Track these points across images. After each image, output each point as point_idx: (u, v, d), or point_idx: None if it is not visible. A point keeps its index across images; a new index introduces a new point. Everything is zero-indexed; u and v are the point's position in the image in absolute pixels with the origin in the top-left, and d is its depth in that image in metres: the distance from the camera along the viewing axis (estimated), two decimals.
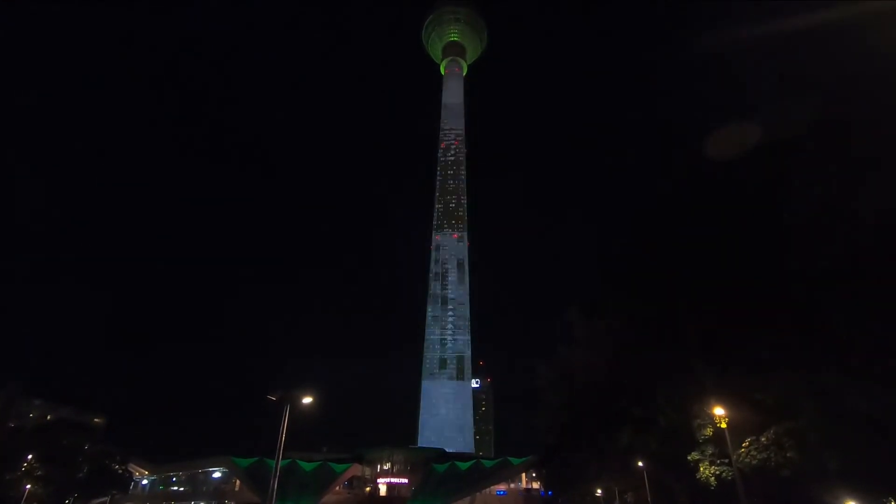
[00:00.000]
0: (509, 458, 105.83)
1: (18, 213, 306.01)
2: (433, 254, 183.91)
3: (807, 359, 25.33)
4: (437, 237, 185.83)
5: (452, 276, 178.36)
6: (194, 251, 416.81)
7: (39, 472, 68.31)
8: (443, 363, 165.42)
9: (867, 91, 25.54)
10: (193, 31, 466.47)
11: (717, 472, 31.30)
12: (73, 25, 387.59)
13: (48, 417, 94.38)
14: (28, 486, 67.61)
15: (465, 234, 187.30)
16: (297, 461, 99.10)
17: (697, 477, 32.65)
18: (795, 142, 28.58)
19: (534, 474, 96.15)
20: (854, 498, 25.10)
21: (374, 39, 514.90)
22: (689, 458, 33.36)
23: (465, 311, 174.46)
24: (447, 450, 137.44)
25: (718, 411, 28.39)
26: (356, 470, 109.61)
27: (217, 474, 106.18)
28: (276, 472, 27.21)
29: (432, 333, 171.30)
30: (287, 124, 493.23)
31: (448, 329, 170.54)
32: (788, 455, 26.80)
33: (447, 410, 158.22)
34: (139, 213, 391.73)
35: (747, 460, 28.64)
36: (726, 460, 29.82)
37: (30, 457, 69.13)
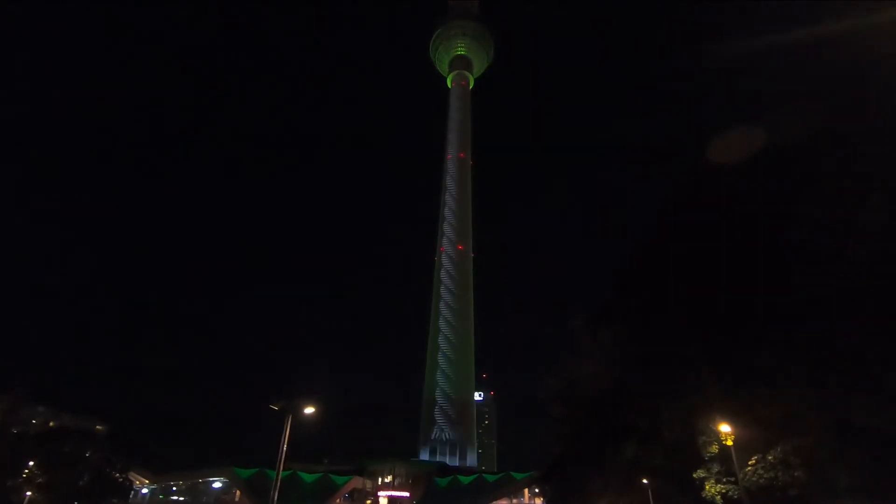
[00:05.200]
0: (512, 473, 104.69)
1: (21, 214, 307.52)
2: (437, 265, 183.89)
3: (813, 373, 25.07)
4: (441, 249, 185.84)
5: (457, 288, 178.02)
6: (198, 257, 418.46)
7: (40, 479, 68.14)
8: (446, 375, 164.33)
9: (870, 102, 25.60)
10: (205, 41, 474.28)
11: (724, 491, 30.79)
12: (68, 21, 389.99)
13: (50, 424, 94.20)
14: (29, 493, 67.46)
15: (470, 246, 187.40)
16: (298, 472, 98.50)
17: (703, 495, 32.13)
18: (799, 153, 28.64)
19: (537, 490, 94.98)
20: None
21: (382, 54, 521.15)
22: (694, 475, 32.87)
23: (470, 322, 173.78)
24: (449, 463, 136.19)
25: (724, 428, 27.99)
26: (357, 482, 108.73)
27: (217, 484, 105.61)
28: (276, 483, 27.02)
29: (435, 344, 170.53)
30: (291, 129, 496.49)
31: (452, 340, 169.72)
32: (796, 474, 26.38)
33: (449, 423, 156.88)
34: (140, 213, 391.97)
35: (754, 479, 28.18)
36: (733, 478, 29.36)
37: (31, 463, 69.09)
